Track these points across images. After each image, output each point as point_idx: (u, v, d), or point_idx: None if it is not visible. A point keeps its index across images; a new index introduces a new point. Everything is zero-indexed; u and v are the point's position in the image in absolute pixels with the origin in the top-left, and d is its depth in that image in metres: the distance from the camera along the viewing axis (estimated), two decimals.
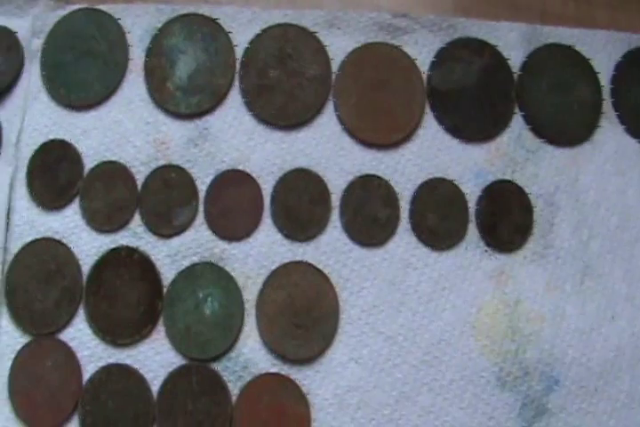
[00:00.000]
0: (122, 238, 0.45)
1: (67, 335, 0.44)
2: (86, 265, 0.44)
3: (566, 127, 0.46)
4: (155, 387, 0.43)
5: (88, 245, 0.45)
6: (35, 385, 0.43)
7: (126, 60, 0.46)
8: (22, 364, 0.43)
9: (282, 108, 0.45)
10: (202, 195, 0.45)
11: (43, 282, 0.44)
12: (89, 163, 0.45)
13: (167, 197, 0.44)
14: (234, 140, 0.45)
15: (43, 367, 0.43)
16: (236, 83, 0.46)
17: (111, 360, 0.43)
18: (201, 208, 0.45)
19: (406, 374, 0.43)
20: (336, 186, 0.45)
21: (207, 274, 0.44)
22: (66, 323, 0.44)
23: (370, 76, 0.46)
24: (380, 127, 0.45)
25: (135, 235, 0.44)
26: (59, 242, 0.44)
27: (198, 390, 0.43)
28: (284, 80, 0.46)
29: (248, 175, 0.45)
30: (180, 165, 0.45)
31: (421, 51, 0.47)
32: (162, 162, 0.45)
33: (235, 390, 0.43)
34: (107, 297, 0.44)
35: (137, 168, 0.45)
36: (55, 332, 0.44)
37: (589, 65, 0.47)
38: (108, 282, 0.44)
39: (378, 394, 0.43)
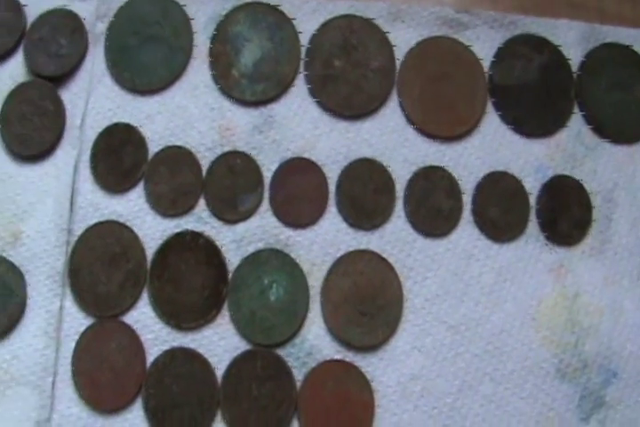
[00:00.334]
0: (186, 223, 0.45)
1: (130, 318, 0.44)
2: (150, 249, 0.45)
3: (624, 125, 0.48)
4: (219, 371, 0.44)
5: (152, 229, 0.45)
6: (98, 367, 0.43)
7: (191, 46, 0.47)
8: (86, 345, 0.44)
9: (347, 98, 0.47)
10: (267, 182, 0.46)
11: (107, 264, 0.45)
12: (153, 147, 0.46)
13: (233, 182, 0.45)
14: (299, 128, 0.47)
15: (107, 349, 0.44)
16: (301, 72, 0.47)
17: (175, 344, 0.44)
18: (266, 195, 0.46)
19: (468, 364, 0.45)
20: (400, 176, 0.46)
21: (272, 260, 0.45)
22: (130, 306, 0.44)
23: (433, 69, 0.47)
24: (442, 120, 0.47)
25: (200, 220, 0.45)
26: (123, 225, 0.45)
27: (263, 375, 0.43)
28: (349, 71, 0.47)
29: (313, 163, 0.46)
30: (246, 151, 0.46)
31: (483, 46, 0.48)
32: (227, 148, 0.46)
33: (299, 376, 0.44)
34: (171, 281, 0.44)
35: (202, 153, 0.46)
36: (119, 314, 0.44)
37: None
38: (173, 266, 0.45)
39: (440, 383, 0.44)
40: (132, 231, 0.45)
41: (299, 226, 0.45)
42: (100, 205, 0.45)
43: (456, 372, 0.44)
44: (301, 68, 0.47)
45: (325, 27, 0.47)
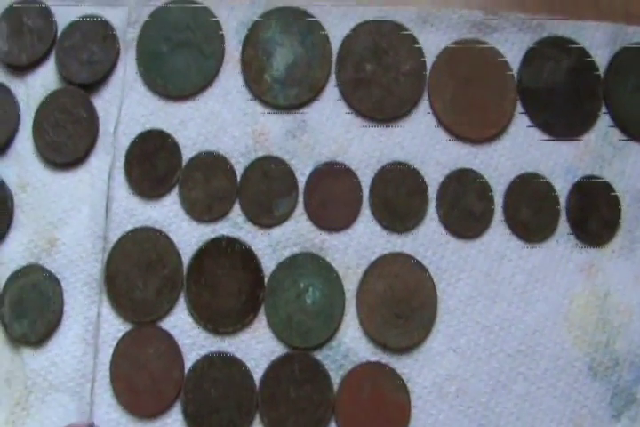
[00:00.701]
0: (222, 228, 0.45)
1: (168, 324, 0.44)
2: (186, 255, 0.44)
3: None
4: (257, 375, 0.43)
5: (188, 235, 0.45)
6: (137, 372, 0.43)
7: (222, 52, 0.47)
8: (124, 351, 0.43)
9: (378, 102, 0.46)
10: (301, 186, 0.45)
11: (143, 271, 0.44)
12: (187, 153, 0.46)
13: (267, 187, 0.45)
14: (332, 132, 0.46)
15: (145, 355, 0.43)
16: (333, 76, 0.46)
17: (213, 349, 0.44)
18: (300, 199, 0.45)
19: (502, 364, 0.44)
20: (432, 179, 0.46)
21: (308, 264, 0.44)
22: (167, 311, 0.44)
23: (463, 72, 0.47)
24: (473, 122, 0.46)
25: (235, 225, 0.45)
26: (159, 231, 0.45)
27: (301, 378, 0.43)
28: (380, 74, 0.46)
29: (346, 167, 0.45)
30: (280, 156, 0.45)
31: (511, 48, 0.48)
32: (260, 153, 0.46)
33: (336, 378, 0.43)
34: (208, 286, 0.44)
35: (236, 159, 0.45)
36: (156, 320, 0.44)
37: None
38: (209, 271, 0.44)
39: (475, 382, 0.44)
40: (167, 237, 0.44)
41: (333, 230, 0.44)
42: (135, 212, 0.44)
43: (490, 372, 0.44)
44: (333, 73, 0.46)
45: (356, 31, 0.47)
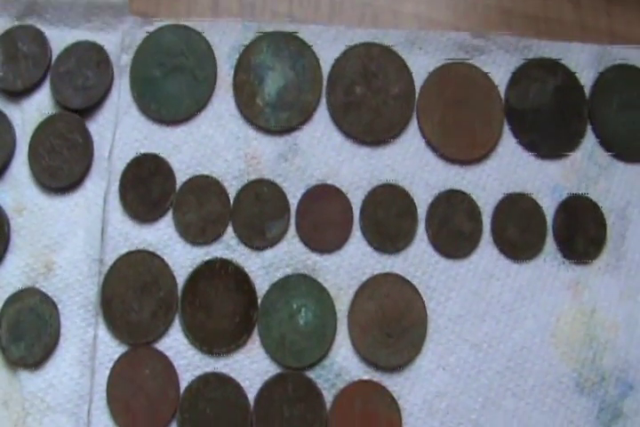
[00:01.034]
0: (215, 251, 0.44)
1: (163, 345, 0.43)
2: (181, 277, 0.44)
3: (636, 144, 0.47)
4: (251, 395, 0.43)
5: (182, 258, 0.44)
6: (133, 394, 0.43)
7: (215, 76, 0.46)
8: (120, 373, 0.43)
9: (368, 124, 0.45)
10: (293, 208, 0.45)
11: (139, 293, 0.43)
12: (181, 177, 0.45)
13: (260, 210, 0.44)
14: (323, 155, 0.45)
15: (141, 376, 0.43)
16: (324, 99, 0.46)
17: (208, 369, 0.43)
18: (292, 221, 0.44)
19: (491, 381, 0.44)
20: (422, 200, 0.45)
21: (300, 285, 0.44)
22: (162, 333, 0.43)
23: (451, 94, 0.46)
24: (462, 144, 0.46)
25: (229, 247, 0.44)
26: (154, 254, 0.44)
27: (294, 396, 0.43)
28: (370, 97, 0.46)
29: (337, 189, 0.45)
30: (272, 179, 0.45)
31: (498, 70, 0.47)
32: (253, 176, 0.45)
33: (329, 396, 0.43)
34: (202, 308, 0.43)
35: (229, 182, 0.45)
36: (152, 342, 0.43)
37: None
38: (204, 293, 0.43)
39: (465, 399, 0.43)
40: (162, 260, 0.44)
41: (325, 251, 0.44)
42: (130, 235, 0.44)
43: (479, 389, 0.43)
44: (323, 96, 0.45)
45: (345, 54, 0.46)
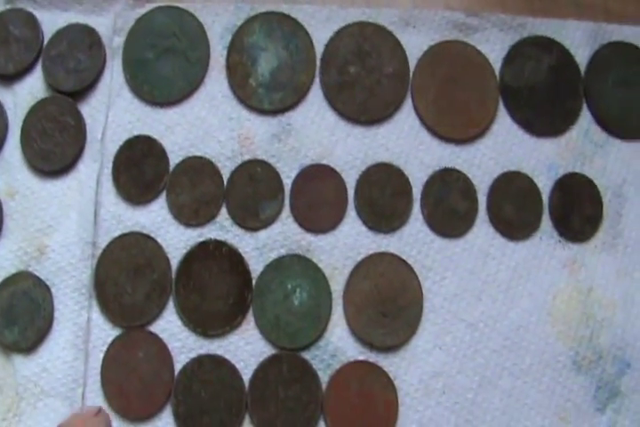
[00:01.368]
0: (209, 232, 0.43)
1: (157, 327, 0.42)
2: (174, 259, 0.43)
3: (631, 122, 0.45)
4: (246, 376, 0.41)
5: (176, 239, 0.43)
6: (127, 376, 0.41)
7: (207, 57, 0.44)
8: (114, 356, 0.42)
9: (363, 103, 0.44)
10: (287, 189, 0.43)
11: (132, 275, 0.42)
12: (174, 158, 0.43)
13: (253, 191, 0.43)
14: (317, 135, 0.44)
15: (135, 359, 0.41)
16: (317, 79, 0.44)
17: (202, 351, 0.42)
18: (286, 202, 0.43)
19: (488, 360, 0.42)
20: (416, 179, 0.44)
21: (295, 266, 0.42)
22: (156, 315, 0.42)
23: (445, 73, 0.45)
24: (456, 123, 0.44)
25: (222, 228, 0.43)
26: (147, 236, 0.42)
27: (289, 378, 0.41)
28: (364, 77, 0.44)
29: (332, 169, 0.43)
30: (265, 159, 0.43)
31: (493, 48, 0.46)
32: (247, 157, 0.43)
33: (324, 377, 0.42)
34: (196, 290, 0.42)
35: (222, 163, 0.43)
36: (146, 324, 0.42)
37: None
38: (198, 275, 0.42)
39: (461, 379, 0.42)
40: (155, 242, 0.42)
41: (319, 231, 0.42)
42: (123, 218, 0.42)
43: (476, 368, 0.42)
44: (317, 76, 0.43)
45: (339, 34, 0.45)
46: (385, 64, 0.44)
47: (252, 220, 0.42)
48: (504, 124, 0.45)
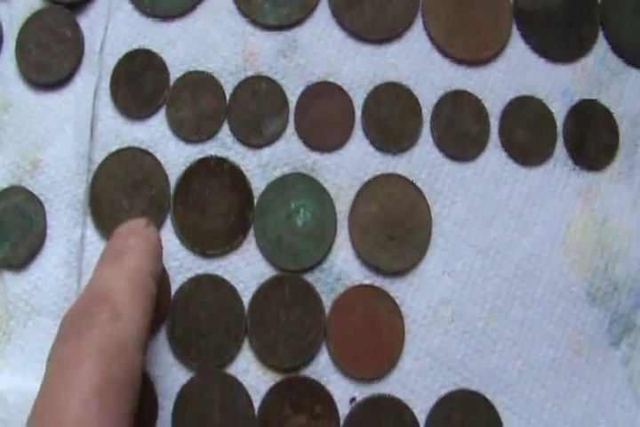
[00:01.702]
0: (210, 149, 0.40)
1: None
2: (173, 175, 0.40)
3: None
4: (246, 298, 0.38)
5: (175, 155, 0.40)
6: None
7: None
8: None
9: (371, 21, 0.41)
10: (292, 106, 0.40)
11: (129, 192, 0.39)
12: (175, 72, 0.41)
13: (257, 107, 0.40)
14: (323, 52, 0.41)
15: None
16: None
17: (200, 271, 0.38)
18: (291, 119, 0.40)
19: (499, 288, 0.40)
20: (426, 100, 0.41)
21: (299, 185, 0.39)
22: None
23: None
24: (468, 44, 0.42)
25: (224, 145, 0.40)
26: (145, 151, 0.40)
27: (291, 301, 0.38)
28: None
29: (339, 87, 0.41)
30: (270, 76, 0.40)
31: None
32: (250, 72, 0.41)
33: (327, 301, 0.39)
34: (195, 207, 0.39)
35: (225, 78, 0.41)
36: None
37: None
38: (197, 192, 0.39)
39: (471, 307, 0.39)
40: (154, 158, 0.39)
41: (325, 150, 0.39)
42: (120, 132, 0.39)
43: (486, 296, 0.39)
44: None
45: None
46: None
47: (254, 137, 0.40)
48: (517, 48, 0.42)
